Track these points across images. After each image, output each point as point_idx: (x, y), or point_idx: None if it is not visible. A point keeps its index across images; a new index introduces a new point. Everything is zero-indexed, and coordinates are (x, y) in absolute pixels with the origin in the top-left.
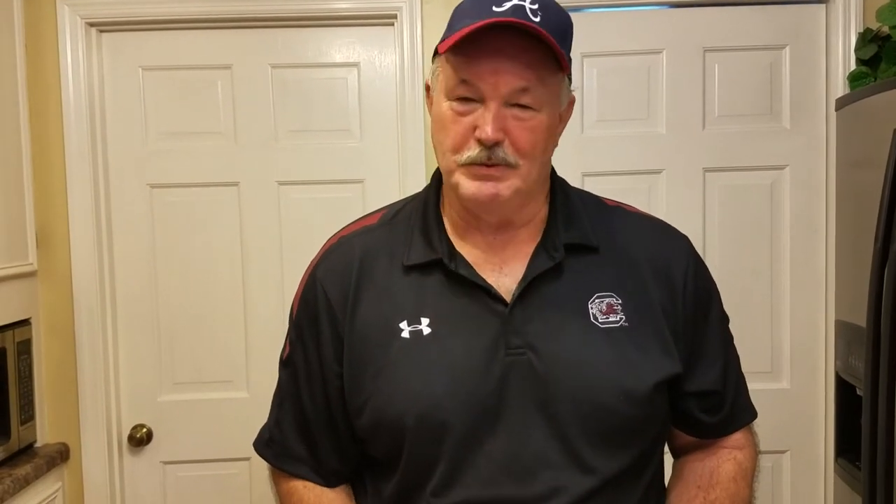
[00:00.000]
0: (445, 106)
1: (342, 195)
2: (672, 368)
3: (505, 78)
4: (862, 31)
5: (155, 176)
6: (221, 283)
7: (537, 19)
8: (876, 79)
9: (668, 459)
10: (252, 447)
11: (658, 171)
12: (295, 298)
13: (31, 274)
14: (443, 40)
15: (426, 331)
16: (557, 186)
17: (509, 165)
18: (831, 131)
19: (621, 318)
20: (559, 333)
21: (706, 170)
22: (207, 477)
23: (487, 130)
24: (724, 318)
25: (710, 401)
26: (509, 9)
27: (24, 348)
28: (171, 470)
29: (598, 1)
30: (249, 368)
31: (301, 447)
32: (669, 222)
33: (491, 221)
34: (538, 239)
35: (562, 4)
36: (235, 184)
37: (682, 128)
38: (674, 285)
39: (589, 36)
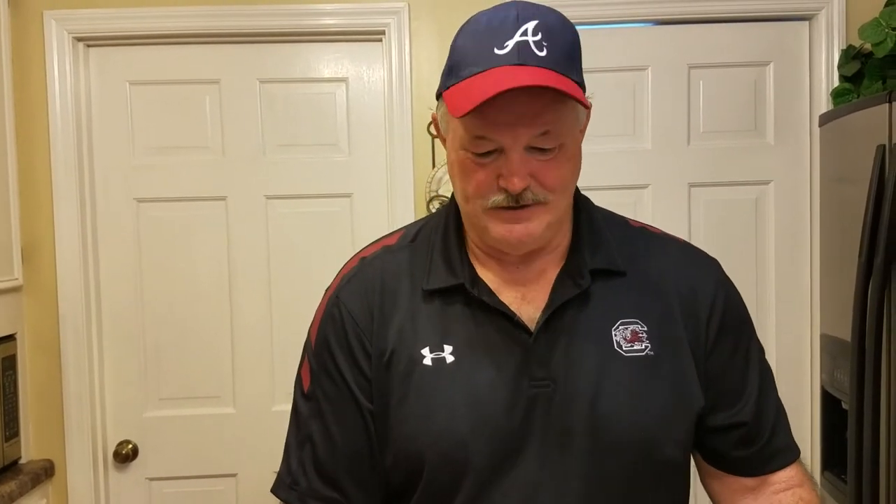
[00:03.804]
0: (462, 155)
1: (330, 209)
2: (697, 403)
3: (523, 129)
4: (844, 48)
5: (142, 190)
6: (208, 298)
7: (543, 53)
8: (859, 95)
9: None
10: (238, 462)
11: (644, 186)
12: (313, 326)
13: (17, 289)
14: (448, 87)
15: (449, 359)
16: (581, 206)
17: (539, 203)
18: (815, 147)
19: (646, 347)
20: (581, 364)
21: (691, 185)
22: (193, 493)
23: (514, 182)
24: (758, 349)
25: (738, 433)
26: (513, 49)
27: (9, 364)
28: (157, 486)
29: (583, 18)
30: (236, 384)
31: (328, 489)
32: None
33: (518, 255)
34: (561, 264)
35: None
36: (223, 198)
37: (668, 143)
38: (699, 315)
39: None
